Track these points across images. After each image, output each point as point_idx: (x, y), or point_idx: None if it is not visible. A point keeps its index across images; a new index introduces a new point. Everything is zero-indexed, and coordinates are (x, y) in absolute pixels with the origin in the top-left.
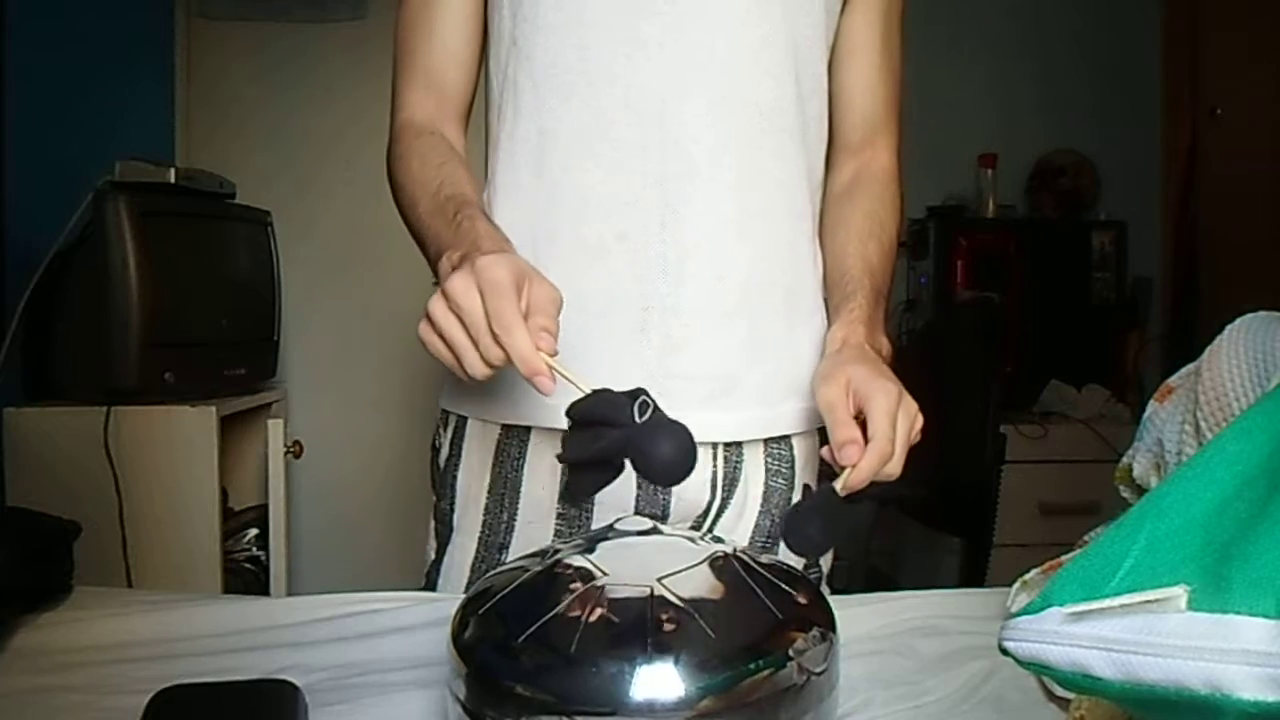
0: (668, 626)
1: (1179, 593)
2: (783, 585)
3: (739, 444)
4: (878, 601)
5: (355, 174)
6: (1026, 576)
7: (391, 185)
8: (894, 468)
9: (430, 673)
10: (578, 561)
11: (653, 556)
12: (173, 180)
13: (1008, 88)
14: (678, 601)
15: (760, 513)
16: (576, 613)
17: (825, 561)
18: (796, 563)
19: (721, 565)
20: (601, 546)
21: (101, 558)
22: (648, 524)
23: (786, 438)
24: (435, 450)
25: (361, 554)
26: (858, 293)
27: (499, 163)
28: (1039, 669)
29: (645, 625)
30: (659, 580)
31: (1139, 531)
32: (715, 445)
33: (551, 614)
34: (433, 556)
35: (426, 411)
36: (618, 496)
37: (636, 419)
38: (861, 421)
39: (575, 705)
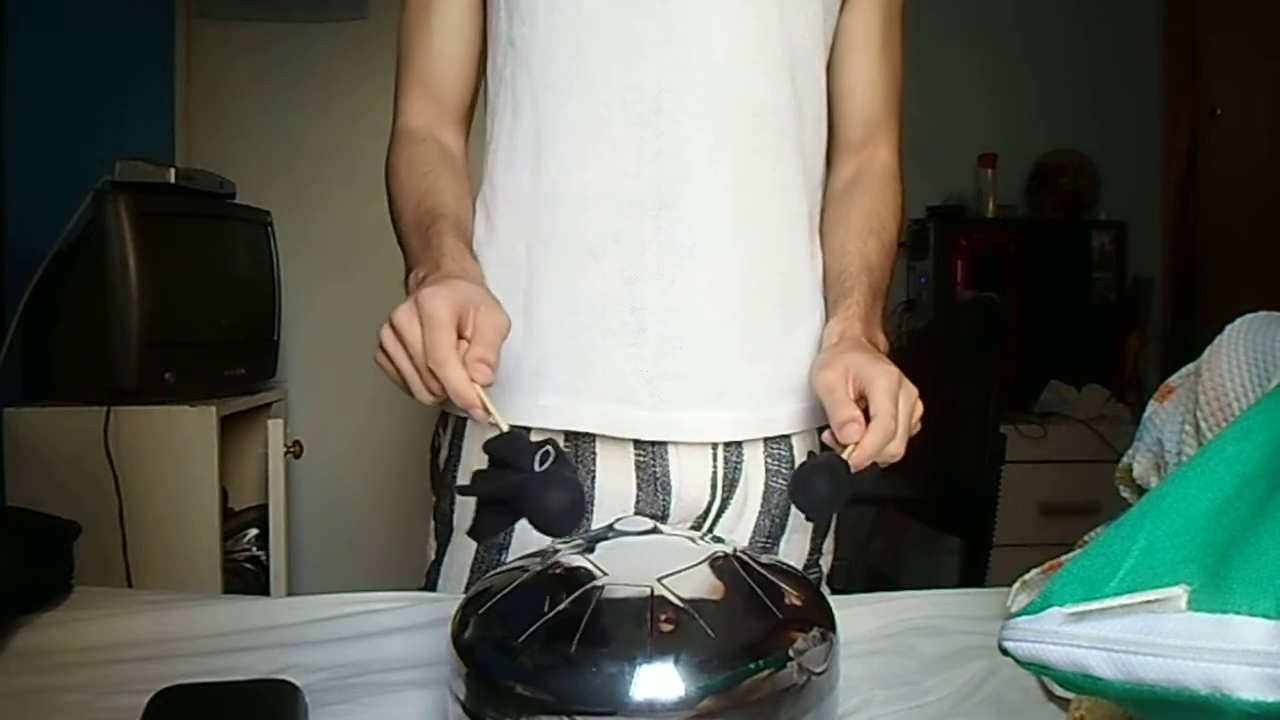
0: (668, 626)
1: (1179, 593)
2: (783, 585)
3: (739, 444)
4: (878, 601)
5: (355, 174)
6: (1026, 576)
7: (387, 193)
8: (897, 447)
9: (430, 673)
10: (578, 561)
11: (653, 556)
12: (173, 180)
13: (1008, 88)
14: (678, 601)
15: (760, 513)
16: (576, 613)
17: (825, 561)
18: (796, 562)
19: (721, 565)
20: (601, 546)
21: (101, 558)
22: (648, 524)
23: (786, 437)
24: (435, 450)
25: (361, 554)
26: (855, 289)
27: (496, 164)
28: (1039, 669)
29: (645, 625)
30: (659, 580)
31: (1139, 531)
32: (715, 445)
33: (551, 614)
34: (433, 556)
35: (426, 411)
36: (618, 497)
37: (535, 466)
38: (862, 407)
39: (575, 705)
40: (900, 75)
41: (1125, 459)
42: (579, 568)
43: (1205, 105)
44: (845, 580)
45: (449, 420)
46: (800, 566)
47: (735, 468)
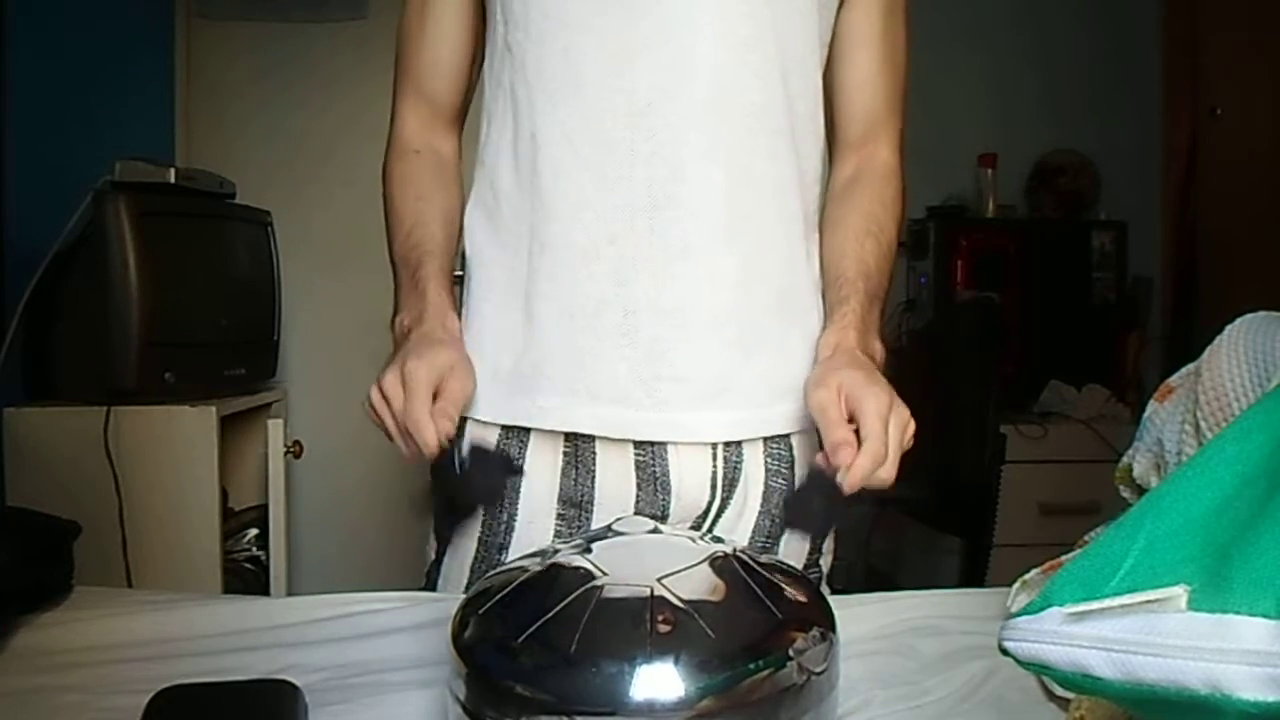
0: (667, 626)
1: (1179, 593)
2: (783, 585)
3: (738, 444)
4: (878, 601)
5: (355, 174)
6: (1026, 576)
7: (382, 201)
8: (887, 472)
9: (430, 673)
10: (577, 561)
11: (653, 556)
12: (172, 180)
13: (1008, 88)
14: (678, 601)
15: (760, 513)
16: (576, 613)
17: (825, 561)
18: (796, 562)
19: (721, 565)
20: (601, 546)
21: (101, 558)
22: (648, 524)
23: (785, 437)
24: None
25: (361, 554)
26: (851, 297)
27: (491, 166)
28: (1039, 669)
29: (645, 625)
30: (659, 580)
31: (1139, 531)
32: (714, 445)
33: (551, 614)
34: (433, 556)
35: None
36: (618, 497)
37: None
38: (855, 426)
39: (575, 705)
40: (903, 72)
41: (1125, 459)
42: (579, 568)
43: (1205, 105)
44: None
45: None
46: (800, 566)
47: (735, 467)
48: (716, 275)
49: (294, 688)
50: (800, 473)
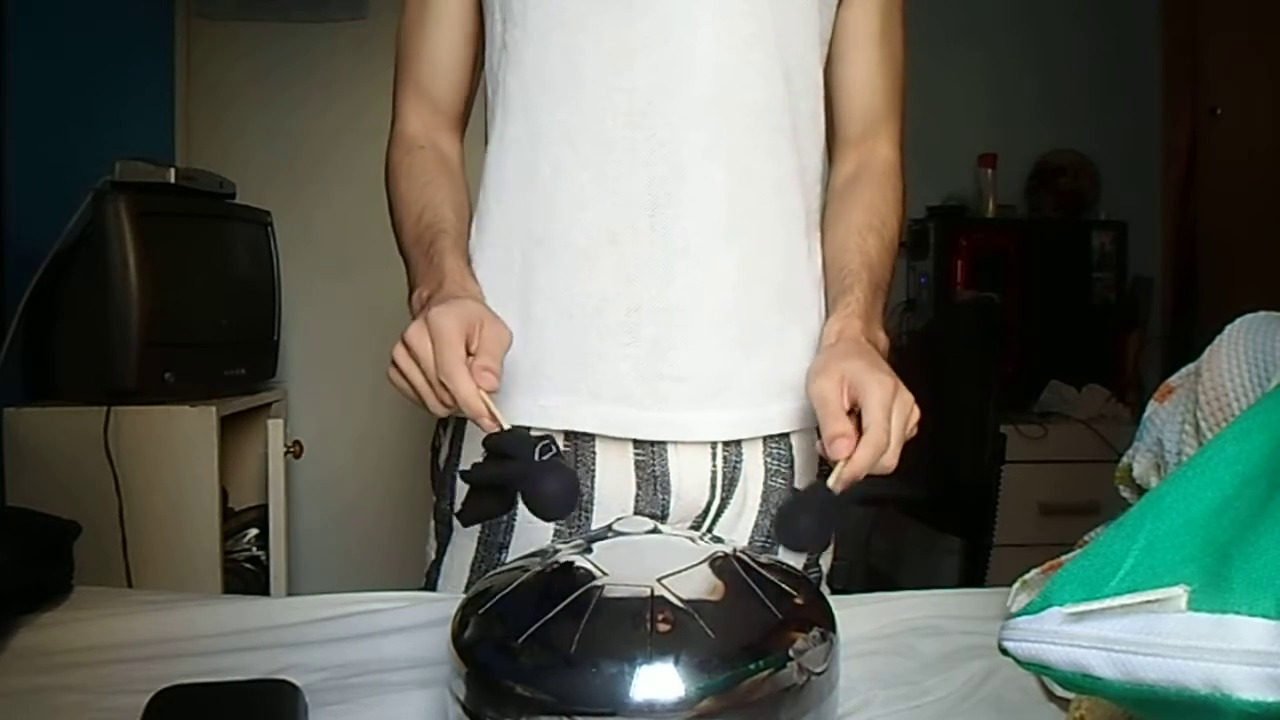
0: (667, 626)
1: (1179, 593)
2: (783, 585)
3: (738, 443)
4: (878, 601)
5: (355, 174)
6: (1026, 576)
7: (386, 197)
8: (889, 460)
9: (430, 673)
10: (578, 561)
11: (653, 556)
12: (172, 180)
13: (1008, 88)
14: (678, 601)
15: (760, 512)
16: (576, 613)
17: (825, 561)
18: (796, 562)
19: (721, 565)
20: (601, 546)
21: (101, 558)
22: (648, 524)
23: (785, 436)
24: (435, 450)
25: (361, 554)
26: (855, 286)
27: (492, 165)
28: (1039, 669)
29: (645, 625)
30: (659, 580)
31: (1139, 531)
32: (714, 445)
33: (551, 614)
34: (433, 556)
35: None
36: (618, 496)
37: (536, 458)
38: (856, 415)
39: (575, 705)
40: (901, 71)
41: (1125, 459)
42: (579, 568)
43: (1205, 105)
44: (845, 580)
45: (449, 421)
46: (800, 566)
47: (735, 467)
48: (718, 274)
49: (294, 688)
50: (800, 474)
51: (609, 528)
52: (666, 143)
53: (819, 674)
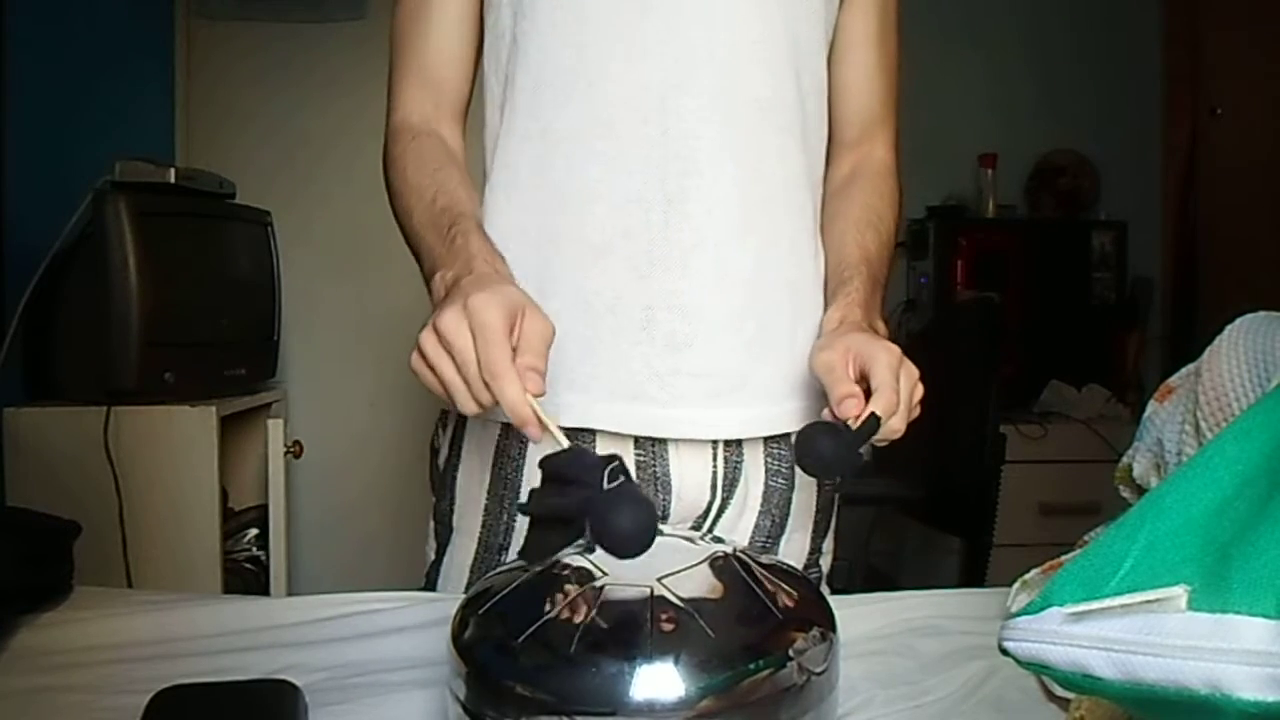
0: (667, 626)
1: (1179, 593)
2: (783, 585)
3: (739, 443)
4: (878, 601)
5: (355, 174)
6: (1026, 576)
7: (387, 189)
8: (898, 423)
9: (430, 673)
10: (578, 561)
11: (653, 556)
12: (173, 180)
13: (1008, 88)
14: (678, 601)
15: (760, 512)
16: (576, 613)
17: (825, 561)
18: (796, 562)
19: (721, 565)
20: None
21: (101, 558)
22: None
23: (786, 436)
24: (434, 450)
25: (361, 554)
26: (854, 279)
27: (499, 162)
28: (1039, 669)
29: (645, 625)
30: (659, 580)
31: (1139, 531)
32: (715, 445)
33: (551, 614)
34: (433, 557)
35: (426, 411)
36: None
37: (605, 484)
38: (863, 387)
39: (575, 705)
40: (896, 74)
41: (1125, 459)
42: (579, 568)
43: (1205, 105)
44: (845, 580)
45: (449, 420)
46: (800, 566)
47: (735, 467)
48: (731, 270)
49: (294, 688)
50: (800, 474)
51: None
52: (679, 139)
53: (819, 674)
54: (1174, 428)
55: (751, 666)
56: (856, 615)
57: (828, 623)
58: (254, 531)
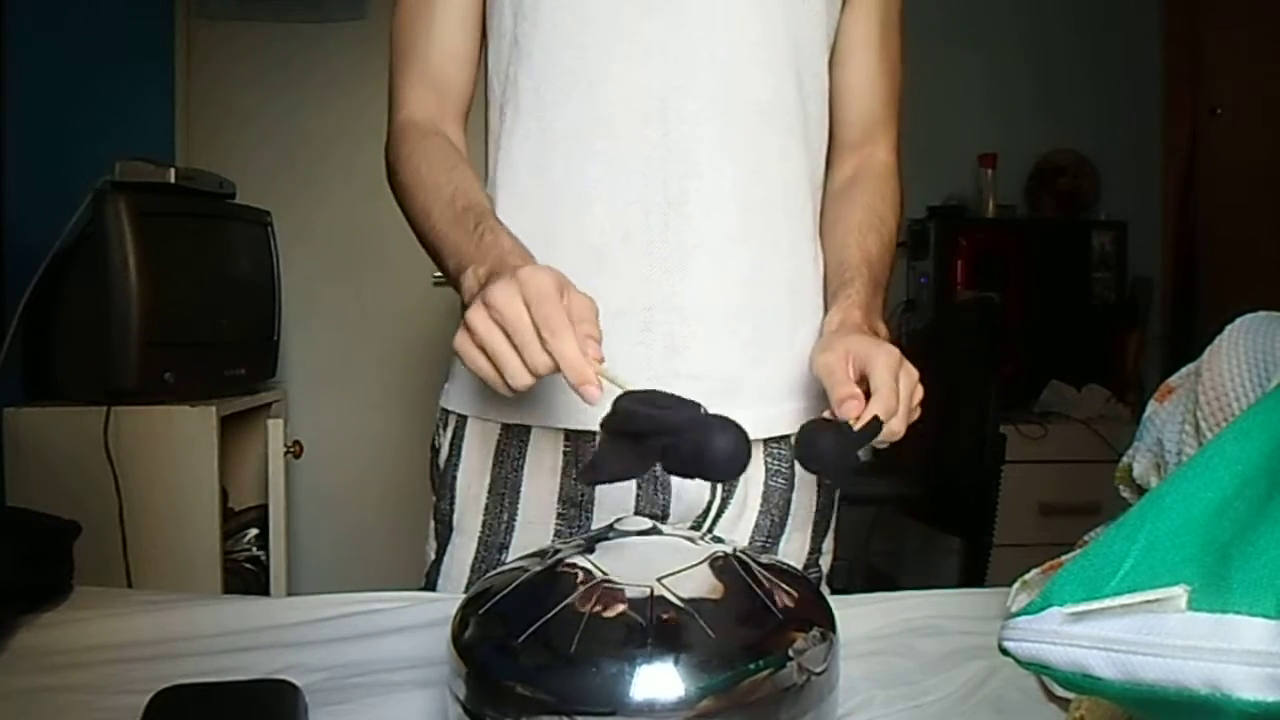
0: (667, 627)
1: (1179, 593)
2: (783, 585)
3: None
4: (878, 601)
5: (355, 174)
6: (1026, 576)
7: (395, 187)
8: (898, 425)
9: (430, 673)
10: (578, 561)
11: (653, 556)
12: (173, 180)
13: (1008, 88)
14: (678, 601)
15: (760, 512)
16: (576, 613)
17: (825, 561)
18: (796, 562)
19: (721, 565)
20: (601, 547)
21: (101, 558)
22: (648, 524)
23: (786, 437)
24: (435, 450)
25: (361, 554)
26: (855, 280)
27: (500, 162)
28: (1039, 669)
29: (645, 625)
30: (659, 580)
31: (1139, 531)
32: None
33: (551, 614)
34: (433, 556)
35: (426, 411)
36: (618, 497)
37: (703, 412)
38: (863, 389)
39: (575, 705)
40: (899, 76)
41: (1125, 459)
42: (579, 568)
43: (1205, 104)
44: (845, 580)
45: (449, 419)
46: (800, 566)
47: None
48: (730, 272)
49: (294, 688)
50: (800, 474)
51: (609, 528)
52: (679, 141)
53: (819, 674)
54: (1174, 428)
55: (751, 666)
56: (856, 615)
57: (828, 623)
58: (254, 531)
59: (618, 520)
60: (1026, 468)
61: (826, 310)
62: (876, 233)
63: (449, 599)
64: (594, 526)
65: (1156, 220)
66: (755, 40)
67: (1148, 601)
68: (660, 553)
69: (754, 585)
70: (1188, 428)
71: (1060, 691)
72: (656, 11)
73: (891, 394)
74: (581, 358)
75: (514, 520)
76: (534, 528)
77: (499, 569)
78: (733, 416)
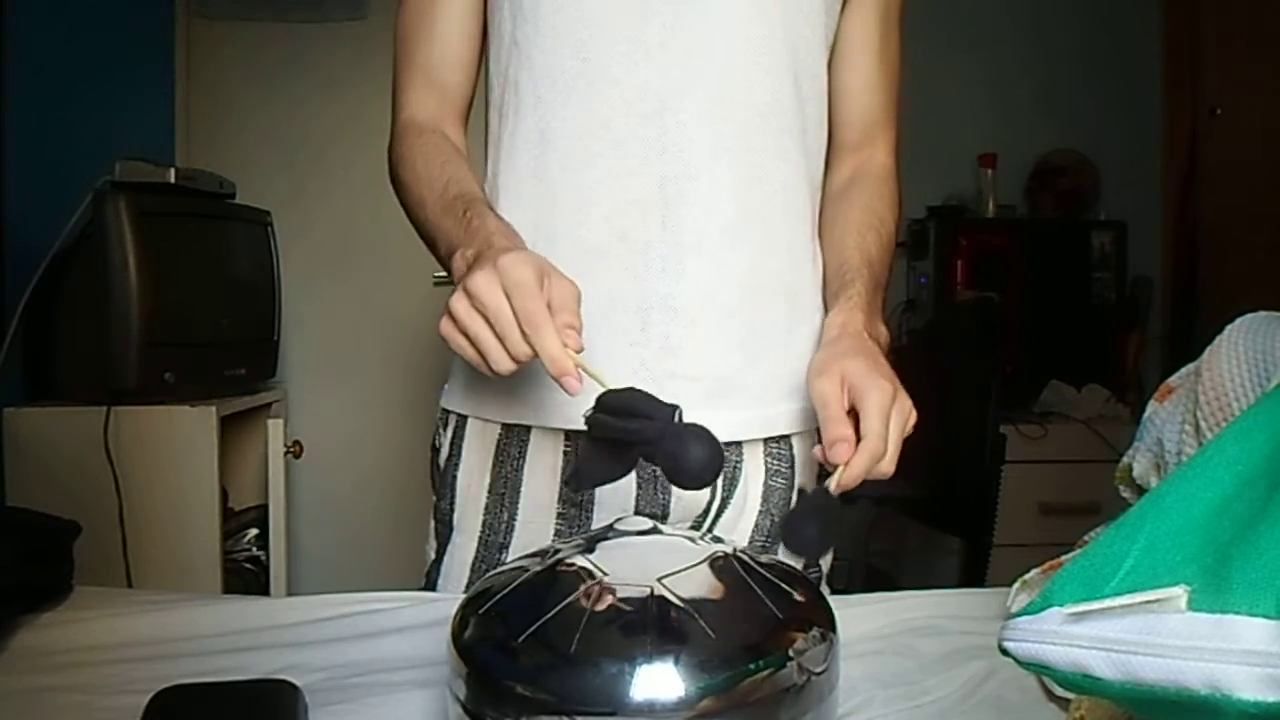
0: (668, 627)
1: (1179, 593)
2: (783, 585)
3: (739, 444)
4: (878, 601)
5: (355, 174)
6: (1026, 576)
7: (395, 184)
8: (887, 466)
9: (430, 673)
10: (578, 561)
11: (653, 556)
12: (173, 180)
13: (1008, 88)
14: (678, 601)
15: (760, 512)
16: (576, 613)
17: (825, 561)
18: (796, 562)
19: (721, 565)
20: (601, 546)
21: (101, 558)
22: (648, 524)
23: (786, 437)
24: (435, 450)
25: (361, 554)
26: (856, 280)
27: (499, 163)
28: (1039, 669)
29: (645, 625)
30: (659, 580)
31: (1139, 531)
32: None
33: (551, 614)
34: (433, 556)
35: (426, 411)
36: (618, 496)
37: (675, 419)
38: (855, 418)
39: (575, 705)
40: (898, 78)
41: (1125, 459)
42: (579, 568)
43: (1205, 105)
44: (845, 580)
45: (449, 419)
46: (800, 566)
47: (735, 467)
48: (727, 273)
49: (294, 688)
50: (799, 474)
51: (609, 527)
52: (676, 142)
53: (819, 674)
54: (1174, 428)
55: (751, 666)
56: (856, 615)
57: (828, 623)
58: (254, 531)
59: (618, 520)
60: (1026, 468)
61: (826, 311)
62: (876, 233)
63: (449, 599)
64: (594, 526)
65: (1156, 220)
66: (754, 42)
67: (1148, 602)
68: (660, 553)
69: (754, 585)
70: (1188, 428)
71: (1060, 691)
72: (655, 14)
73: (879, 440)
74: (562, 351)
75: (514, 520)
76: (534, 527)
77: (499, 569)
78: (731, 417)
